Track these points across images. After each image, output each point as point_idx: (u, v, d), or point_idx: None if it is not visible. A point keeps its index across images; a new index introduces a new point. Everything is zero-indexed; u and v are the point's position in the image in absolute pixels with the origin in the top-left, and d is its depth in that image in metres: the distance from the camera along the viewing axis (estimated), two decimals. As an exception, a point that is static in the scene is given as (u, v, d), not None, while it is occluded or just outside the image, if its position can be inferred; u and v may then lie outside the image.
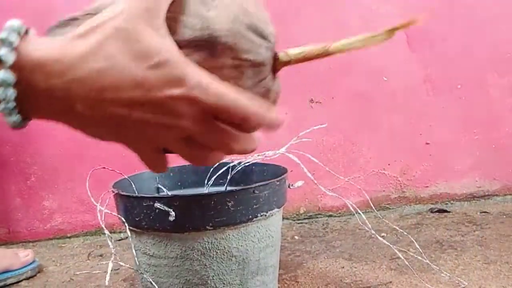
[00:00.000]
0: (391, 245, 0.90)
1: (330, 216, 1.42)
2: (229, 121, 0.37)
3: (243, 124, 0.37)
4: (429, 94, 1.43)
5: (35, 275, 1.12)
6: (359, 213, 0.91)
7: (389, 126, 1.43)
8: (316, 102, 1.40)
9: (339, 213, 1.42)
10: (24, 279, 1.10)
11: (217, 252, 0.74)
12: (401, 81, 1.42)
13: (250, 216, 0.74)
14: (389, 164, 1.43)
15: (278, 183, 0.78)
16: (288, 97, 1.45)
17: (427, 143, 1.44)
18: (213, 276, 0.76)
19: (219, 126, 0.37)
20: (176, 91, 0.34)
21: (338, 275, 1.01)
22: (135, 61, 0.33)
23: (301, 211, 1.41)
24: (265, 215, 0.76)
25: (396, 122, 1.43)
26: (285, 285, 0.98)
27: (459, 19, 1.42)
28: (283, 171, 0.85)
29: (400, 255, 0.91)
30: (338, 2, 1.38)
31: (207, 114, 0.36)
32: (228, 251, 0.75)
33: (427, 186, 1.44)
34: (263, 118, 0.37)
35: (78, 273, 1.12)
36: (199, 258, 0.74)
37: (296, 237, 1.27)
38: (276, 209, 0.78)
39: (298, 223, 1.38)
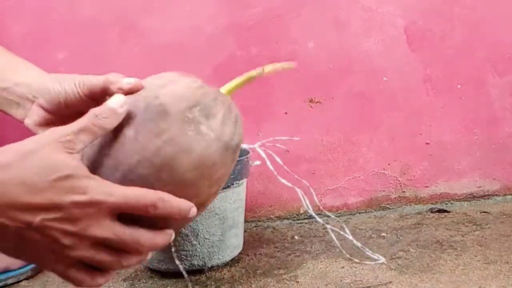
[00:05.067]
0: (391, 245, 0.90)
1: (330, 216, 1.42)
2: (140, 216, 0.42)
3: (154, 214, 0.42)
4: (429, 94, 1.43)
5: (35, 275, 1.12)
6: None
7: (389, 126, 1.43)
8: (316, 102, 1.40)
9: (339, 213, 1.42)
10: (24, 279, 1.10)
11: (204, 211, 0.99)
12: (401, 81, 1.42)
13: (229, 184, 1.02)
14: (389, 164, 1.43)
15: (246, 159, 1.07)
16: (288, 97, 1.46)
17: (427, 143, 1.44)
18: (202, 229, 1.03)
19: (128, 231, 0.42)
20: (80, 198, 0.39)
21: (338, 275, 1.01)
22: (40, 176, 0.38)
23: (301, 211, 1.41)
24: (238, 183, 1.05)
25: (396, 122, 1.43)
26: (285, 285, 0.98)
27: (459, 19, 1.42)
28: (247, 152, 1.11)
29: (400, 255, 0.91)
30: (338, 2, 1.38)
31: (116, 218, 0.41)
32: (213, 210, 1.03)
33: (427, 186, 1.44)
34: (170, 205, 0.43)
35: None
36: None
37: (296, 237, 1.27)
38: (244, 179, 1.09)
39: (298, 223, 1.38)
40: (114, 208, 0.41)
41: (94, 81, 0.51)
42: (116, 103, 0.45)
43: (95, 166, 0.44)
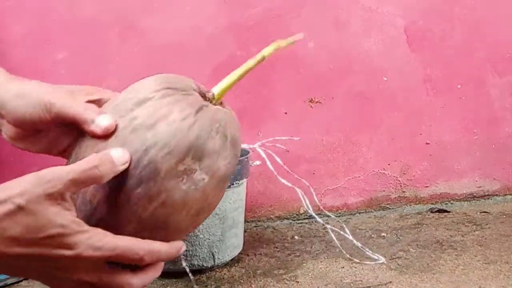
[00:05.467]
0: (391, 245, 0.91)
1: (330, 216, 1.42)
2: (127, 263, 0.43)
3: (141, 263, 0.43)
4: (429, 94, 1.43)
5: (35, 275, 1.12)
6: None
7: (389, 126, 1.43)
8: (316, 102, 1.40)
9: (339, 213, 1.42)
10: (24, 279, 1.10)
11: None
12: (401, 81, 1.42)
13: (229, 184, 0.96)
14: (389, 164, 1.43)
15: (246, 159, 1.08)
16: (288, 97, 1.46)
17: (427, 143, 1.44)
18: (202, 229, 1.04)
19: (115, 274, 0.43)
20: (68, 253, 0.40)
21: (338, 275, 1.01)
22: (28, 233, 0.39)
23: (301, 211, 1.41)
24: (238, 183, 1.07)
25: (396, 122, 1.43)
26: (285, 285, 0.99)
27: (459, 19, 1.42)
28: (247, 152, 1.12)
29: (400, 255, 0.91)
30: (338, 2, 1.38)
31: (103, 264, 0.42)
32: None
33: (427, 186, 1.44)
34: (158, 255, 0.43)
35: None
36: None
37: (296, 237, 1.27)
38: (244, 179, 1.10)
39: (298, 223, 1.38)
40: (103, 259, 0.41)
41: (64, 110, 0.47)
42: (119, 159, 0.42)
43: (87, 221, 0.43)
